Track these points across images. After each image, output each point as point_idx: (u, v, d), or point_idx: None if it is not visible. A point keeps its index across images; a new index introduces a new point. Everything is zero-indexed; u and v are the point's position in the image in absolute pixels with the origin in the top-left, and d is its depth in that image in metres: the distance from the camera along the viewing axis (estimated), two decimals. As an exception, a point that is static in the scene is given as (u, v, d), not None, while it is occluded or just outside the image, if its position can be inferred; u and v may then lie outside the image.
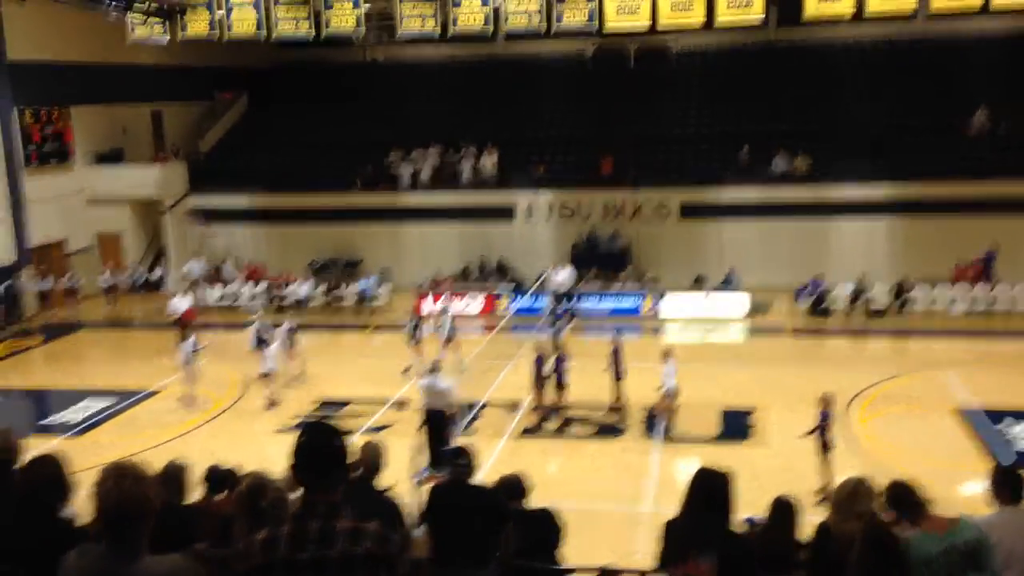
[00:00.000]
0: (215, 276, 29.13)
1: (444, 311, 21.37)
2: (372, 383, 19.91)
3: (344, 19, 21.89)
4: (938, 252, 25.62)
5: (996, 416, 16.53)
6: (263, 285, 28.01)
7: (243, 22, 22.21)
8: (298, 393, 19.47)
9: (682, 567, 4.47)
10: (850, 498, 5.06)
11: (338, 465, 3.20)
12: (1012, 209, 25.53)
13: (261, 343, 19.88)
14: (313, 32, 22.35)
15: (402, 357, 21.02)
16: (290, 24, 22.24)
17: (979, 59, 31.29)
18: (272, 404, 18.42)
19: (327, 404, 18.75)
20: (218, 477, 6.63)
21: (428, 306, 23.94)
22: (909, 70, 30.67)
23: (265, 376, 18.46)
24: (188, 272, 28.38)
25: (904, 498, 4.60)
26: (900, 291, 23.96)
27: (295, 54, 35.04)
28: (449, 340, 20.55)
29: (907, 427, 16.40)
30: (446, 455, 12.93)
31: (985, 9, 19.47)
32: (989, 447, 15.17)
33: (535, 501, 7.17)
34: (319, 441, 3.23)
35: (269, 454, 15.59)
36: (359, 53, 35.43)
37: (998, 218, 25.56)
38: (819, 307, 24.14)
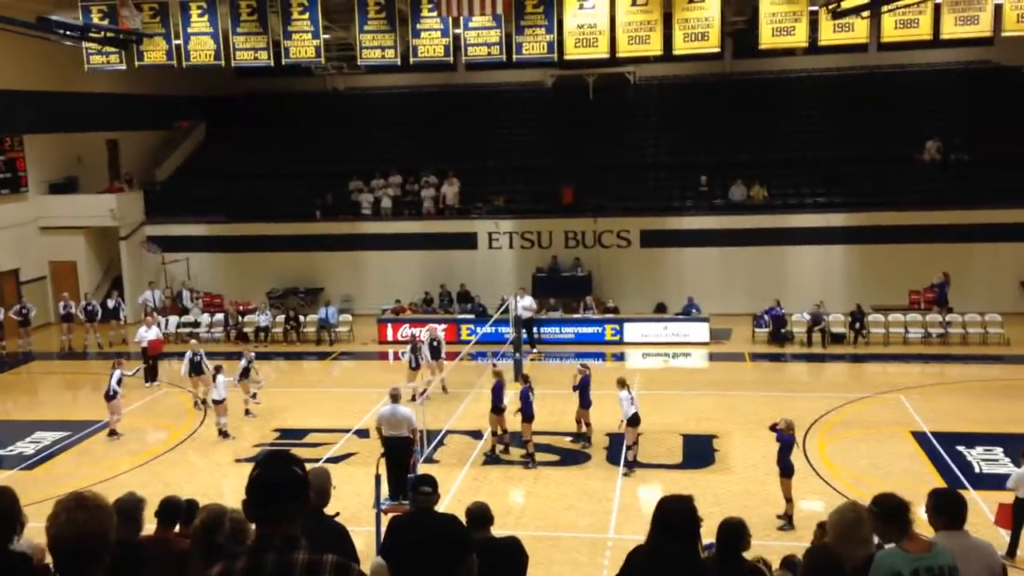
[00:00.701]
0: (173, 305, 28.72)
1: (429, 338, 21.30)
2: (333, 412, 19.69)
3: (303, 48, 21.84)
4: (893, 279, 26.11)
5: (951, 439, 16.78)
6: (222, 314, 27.67)
7: (201, 50, 22.06)
8: (257, 422, 19.19)
9: None
10: (855, 524, 5.01)
11: (294, 497, 3.07)
12: (964, 237, 26.12)
13: (195, 368, 19.97)
14: (272, 61, 22.27)
15: (363, 385, 20.85)
16: (249, 53, 22.12)
17: (930, 89, 32.19)
18: (224, 434, 18.09)
19: (287, 433, 18.49)
20: (173, 509, 6.47)
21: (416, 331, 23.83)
22: (863, 100, 31.36)
23: (217, 403, 18.12)
24: (144, 301, 27.94)
25: (896, 514, 4.57)
26: (856, 317, 24.31)
27: (254, 83, 34.90)
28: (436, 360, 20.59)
29: (865, 451, 16.57)
30: (409, 484, 12.82)
31: (935, 40, 19.99)
32: (945, 469, 15.37)
33: (500, 530, 7.11)
34: (274, 473, 3.10)
35: (228, 484, 15.34)
36: (319, 82, 35.38)
37: (951, 245, 26.13)
38: (779, 333, 24.39)
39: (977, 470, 15.43)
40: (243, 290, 29.22)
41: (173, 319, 27.49)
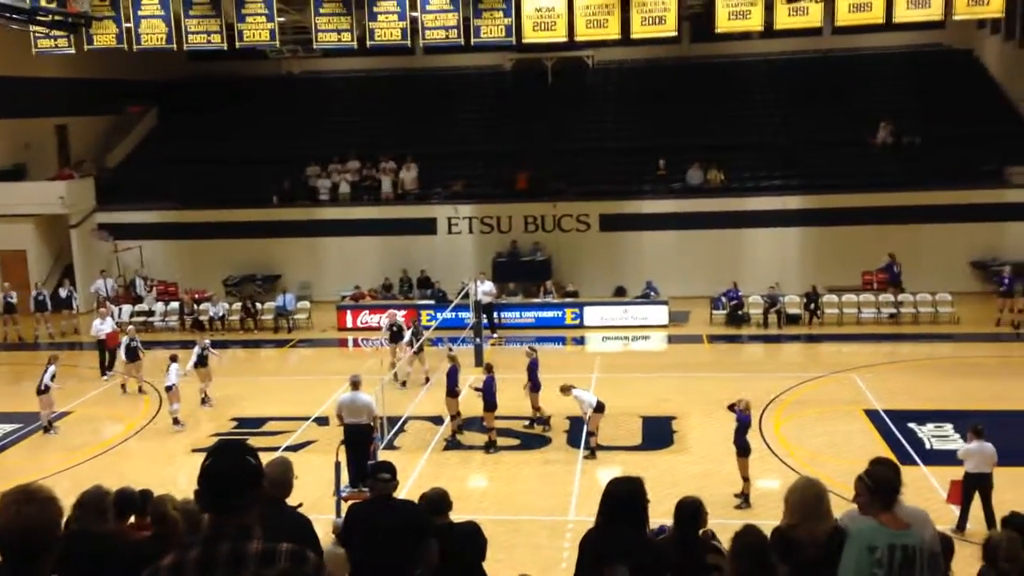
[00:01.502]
0: (126, 294, 28.25)
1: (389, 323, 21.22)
2: (291, 400, 19.55)
3: (258, 31, 21.48)
4: (847, 260, 26.52)
5: (903, 416, 17.13)
6: (177, 303, 27.29)
7: (152, 34, 21.59)
8: (214, 411, 19.00)
9: None
10: (816, 502, 5.08)
11: (246, 487, 3.03)
12: (916, 218, 26.59)
13: (130, 354, 19.99)
14: (225, 44, 21.88)
15: (323, 372, 20.72)
16: (201, 36, 21.69)
17: (883, 72, 32.66)
18: (176, 422, 17.84)
19: (244, 422, 18.32)
20: (128, 500, 6.37)
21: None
22: (817, 84, 31.73)
23: (168, 390, 17.85)
24: (96, 291, 27.45)
25: (885, 488, 4.60)
26: (811, 298, 24.67)
27: (207, 67, 34.34)
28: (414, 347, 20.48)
29: (820, 429, 16.86)
30: (368, 471, 12.80)
31: (888, 24, 20.23)
32: (897, 446, 15.69)
33: (460, 514, 7.12)
34: (225, 463, 3.05)
35: (183, 474, 15.17)
36: (274, 65, 34.91)
37: (903, 226, 26.61)
38: (736, 315, 24.67)
39: (928, 446, 15.77)
40: (198, 278, 28.82)
41: (127, 308, 27.05)
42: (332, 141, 32.22)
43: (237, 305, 26.97)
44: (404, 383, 20.02)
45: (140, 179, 31.55)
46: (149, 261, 29.49)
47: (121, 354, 20.36)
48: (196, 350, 19.42)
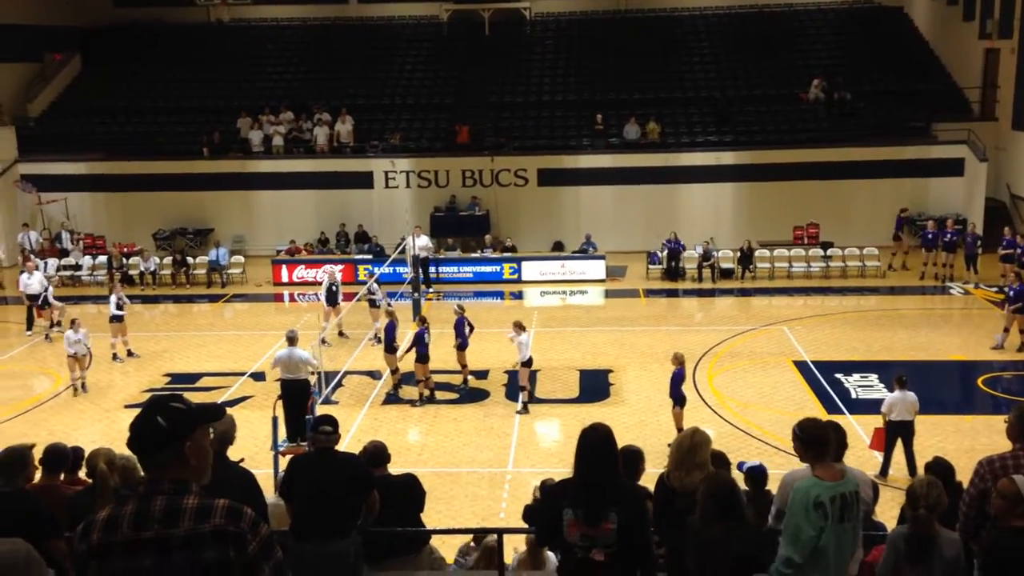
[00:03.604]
0: (51, 247, 27.40)
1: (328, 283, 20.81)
2: (226, 356, 19.32)
3: (186, -24, 20.82)
4: (779, 215, 27.03)
5: (830, 367, 17.67)
6: (104, 257, 26.58)
7: (74, -24, 20.77)
8: (148, 366, 18.68)
9: (583, 529, 4.54)
10: (691, 451, 5.27)
11: (163, 444, 2.99)
12: (845, 173, 27.17)
13: (44, 301, 20.27)
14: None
15: (258, 328, 20.48)
16: (126, -21, 20.95)
17: (816, 29, 33.08)
18: (77, 389, 17.09)
19: (178, 378, 18.05)
20: (58, 456, 6.26)
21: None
22: (753, 39, 31.98)
23: (69, 358, 17.02)
24: (21, 243, 26.56)
25: (815, 441, 4.73)
26: (745, 253, 25.13)
27: (133, 13, 33.13)
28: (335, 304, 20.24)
29: (751, 380, 17.30)
30: (311, 424, 12.75)
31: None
32: (824, 396, 16.20)
33: (401, 467, 7.17)
34: (139, 420, 3.02)
35: (116, 430, 14.92)
36: (202, 12, 33.83)
37: (833, 182, 27.18)
38: (673, 269, 24.97)
39: (854, 396, 16.31)
40: (127, 231, 28.09)
41: (52, 262, 26.26)
42: (264, 92, 31.48)
43: (168, 259, 26.39)
44: (341, 333, 20.12)
45: (64, 129, 30.45)
46: (75, 214, 28.59)
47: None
48: (113, 301, 18.90)
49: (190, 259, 26.40)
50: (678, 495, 5.20)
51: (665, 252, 25.15)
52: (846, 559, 4.71)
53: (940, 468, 6.83)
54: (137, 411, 3.10)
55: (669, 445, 13.92)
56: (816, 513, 4.52)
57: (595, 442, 4.65)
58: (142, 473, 3.14)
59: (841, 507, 4.57)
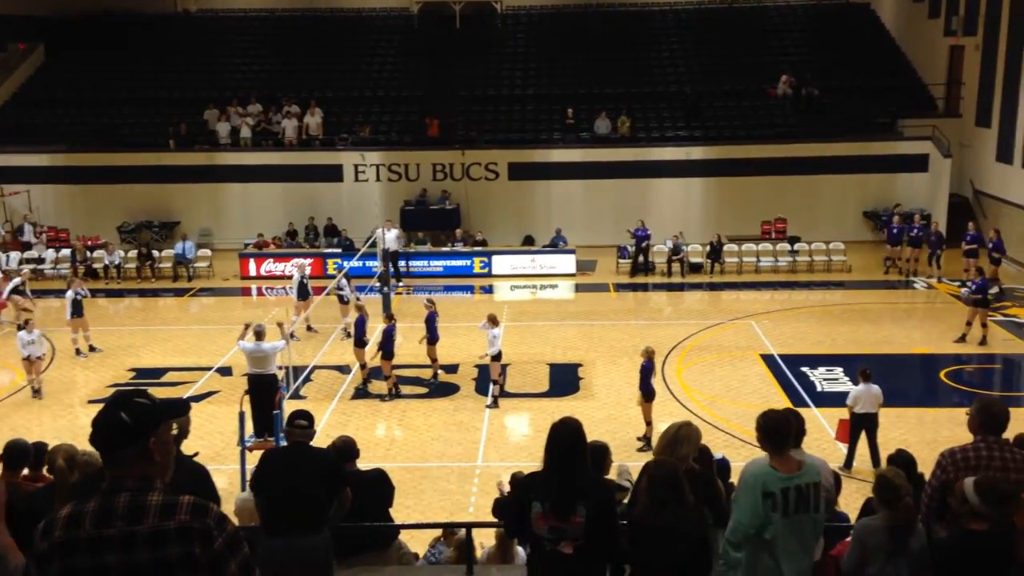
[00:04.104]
0: (13, 240, 26.94)
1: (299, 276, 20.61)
2: (192, 350, 19.12)
3: (151, -35, 20.53)
4: (747, 210, 27.24)
5: (797, 360, 17.85)
6: (68, 250, 26.18)
7: (36, -36, 20.41)
8: (112, 361, 18.43)
9: (552, 522, 4.54)
10: (672, 443, 5.30)
11: (125, 441, 2.94)
12: (812, 169, 27.43)
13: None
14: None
15: (225, 322, 20.29)
16: (90, -32, 20.62)
17: (785, 25, 33.33)
18: (36, 392, 16.62)
19: (143, 372, 17.84)
20: (19, 452, 6.16)
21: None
22: (723, 35, 32.16)
23: (24, 361, 16.52)
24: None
25: (775, 433, 4.77)
26: (714, 248, 25.29)
27: (97, 2, 32.60)
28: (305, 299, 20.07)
29: (719, 374, 17.42)
30: (274, 421, 12.65)
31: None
32: (791, 389, 16.36)
33: (370, 462, 7.14)
34: (101, 416, 2.97)
35: (80, 426, 14.71)
36: (169, 3, 33.39)
37: (800, 177, 27.42)
38: (640, 261, 24.98)
39: (820, 389, 16.49)
40: (91, 224, 27.68)
41: (15, 255, 25.83)
42: (231, 83, 31.15)
43: (133, 253, 26.06)
44: (310, 328, 20.01)
45: (27, 120, 29.91)
46: (38, 206, 28.14)
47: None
48: (69, 296, 18.61)
49: (156, 252, 26.09)
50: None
51: (633, 241, 25.14)
52: (808, 551, 4.72)
53: (903, 460, 6.91)
54: (100, 407, 3.05)
55: (639, 439, 14.07)
56: (764, 504, 4.55)
57: (564, 436, 4.66)
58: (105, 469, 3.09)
59: (796, 499, 4.59)
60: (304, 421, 6.00)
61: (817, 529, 4.78)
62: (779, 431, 4.77)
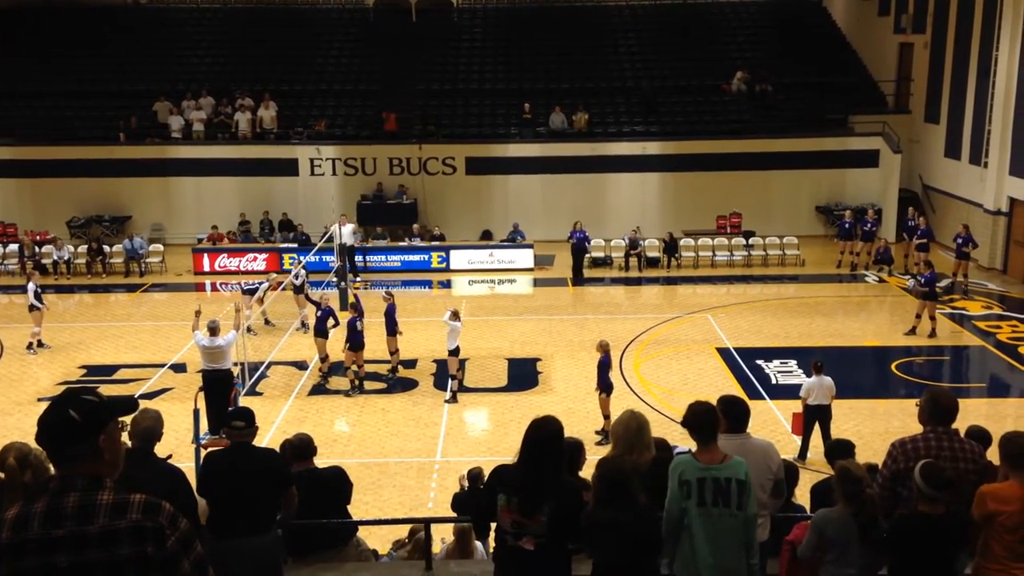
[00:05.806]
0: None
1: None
2: (145, 347, 18.80)
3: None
4: (703, 205, 27.47)
5: (752, 354, 18.07)
6: (16, 245, 25.58)
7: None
8: (62, 358, 18.07)
9: (516, 516, 4.53)
10: (639, 432, 5.28)
11: (74, 439, 2.89)
12: (766, 164, 27.74)
13: None
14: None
15: (178, 318, 19.99)
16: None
17: (740, 21, 33.65)
18: None
19: (94, 370, 17.51)
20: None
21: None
22: (678, 31, 32.37)
23: None
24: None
25: (699, 425, 4.84)
26: (670, 242, 25.49)
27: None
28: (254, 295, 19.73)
29: (675, 367, 17.58)
30: (227, 418, 12.48)
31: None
32: (746, 382, 16.57)
33: (328, 459, 7.07)
34: (49, 414, 2.91)
35: (29, 424, 14.39)
36: (119, -7, 32.73)
37: (755, 172, 27.72)
38: (577, 265, 24.48)
39: (774, 381, 16.73)
40: (40, 219, 27.07)
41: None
42: (183, 76, 30.63)
43: (83, 248, 25.54)
44: (250, 328, 19.68)
45: (-30, 112, 29.17)
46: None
47: None
48: (31, 289, 18.24)
49: (107, 247, 25.60)
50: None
51: (571, 244, 24.52)
52: (730, 551, 4.67)
53: (841, 449, 7.01)
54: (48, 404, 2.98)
55: (597, 432, 14.12)
56: (680, 491, 4.66)
57: (541, 440, 4.66)
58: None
59: (714, 491, 4.62)
60: (240, 422, 5.88)
61: (742, 533, 4.70)
62: (701, 423, 4.84)
